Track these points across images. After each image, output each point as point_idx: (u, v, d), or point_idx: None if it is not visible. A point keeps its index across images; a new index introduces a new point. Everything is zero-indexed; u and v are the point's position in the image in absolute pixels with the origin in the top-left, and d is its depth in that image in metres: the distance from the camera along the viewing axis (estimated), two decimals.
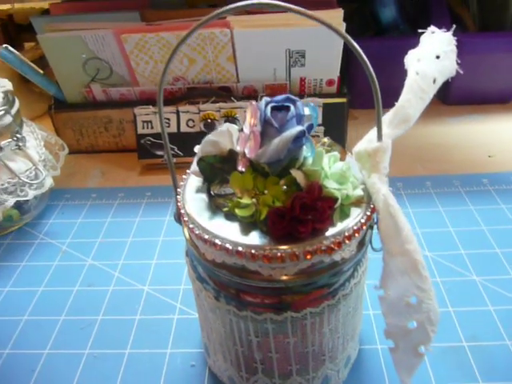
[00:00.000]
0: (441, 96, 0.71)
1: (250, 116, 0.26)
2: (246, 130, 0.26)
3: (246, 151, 0.26)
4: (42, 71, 0.61)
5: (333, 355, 0.31)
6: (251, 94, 0.60)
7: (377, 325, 0.39)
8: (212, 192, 0.28)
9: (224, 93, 0.60)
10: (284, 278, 0.25)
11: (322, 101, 0.58)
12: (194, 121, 0.59)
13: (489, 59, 0.67)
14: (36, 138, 0.53)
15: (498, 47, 0.66)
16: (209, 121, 0.59)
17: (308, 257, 0.24)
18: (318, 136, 0.29)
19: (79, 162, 0.64)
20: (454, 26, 0.32)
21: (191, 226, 0.27)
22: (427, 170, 0.58)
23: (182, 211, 0.28)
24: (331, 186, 0.26)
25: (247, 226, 0.26)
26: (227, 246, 0.25)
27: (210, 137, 0.28)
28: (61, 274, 0.46)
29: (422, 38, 0.32)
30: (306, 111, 0.26)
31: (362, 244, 0.28)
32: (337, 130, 0.58)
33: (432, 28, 0.32)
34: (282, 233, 0.25)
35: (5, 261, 0.48)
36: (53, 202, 0.56)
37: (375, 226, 0.28)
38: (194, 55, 0.56)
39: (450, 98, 0.71)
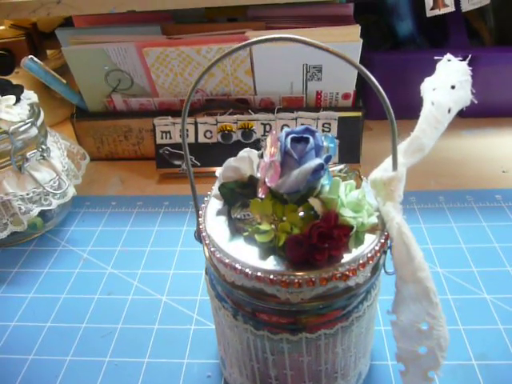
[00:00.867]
0: None
1: (271, 145, 0.27)
2: (267, 158, 0.27)
3: (267, 180, 0.27)
4: (64, 81, 0.63)
5: (345, 373, 0.32)
6: (268, 107, 0.61)
7: (388, 341, 0.40)
8: (232, 216, 0.29)
9: (241, 105, 0.61)
10: (300, 301, 0.27)
11: (337, 114, 0.59)
12: (211, 132, 0.60)
13: (505, 72, 0.67)
14: (59, 148, 0.54)
15: None
16: (226, 132, 0.60)
17: (324, 283, 0.26)
18: (334, 163, 0.30)
19: (99, 169, 0.66)
20: (470, 54, 0.32)
21: (212, 249, 0.28)
22: (440, 185, 0.59)
23: (204, 234, 0.29)
24: (347, 214, 0.27)
25: (266, 250, 0.27)
26: (247, 270, 0.26)
27: (231, 162, 0.29)
28: (82, 282, 0.48)
29: (438, 66, 0.33)
30: (325, 143, 0.27)
31: (375, 269, 0.29)
32: (352, 143, 0.59)
33: (448, 56, 0.33)
34: (299, 259, 0.26)
35: (29, 267, 0.50)
36: (74, 210, 0.58)
37: (388, 251, 0.29)
38: (213, 69, 0.57)
39: (465, 110, 0.71)
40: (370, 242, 0.27)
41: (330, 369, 0.31)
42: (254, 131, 0.60)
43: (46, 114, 0.54)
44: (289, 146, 0.26)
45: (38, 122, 0.51)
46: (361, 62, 0.56)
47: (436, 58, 0.34)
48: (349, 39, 0.54)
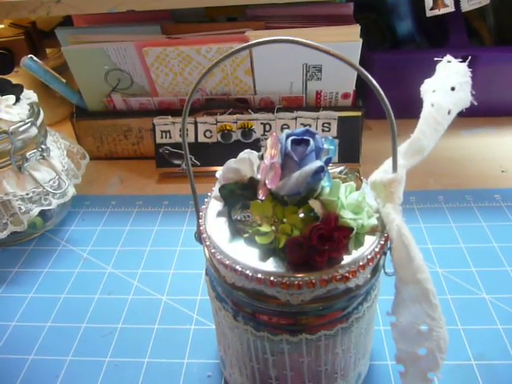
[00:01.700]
0: None
1: (271, 147, 0.28)
2: (267, 160, 0.28)
3: (267, 182, 0.27)
4: (64, 80, 0.63)
5: (345, 373, 0.32)
6: (268, 106, 0.61)
7: (387, 341, 0.40)
8: (233, 217, 0.29)
9: (241, 104, 0.61)
10: (300, 303, 0.27)
11: (337, 114, 0.59)
12: (211, 131, 0.60)
13: (505, 72, 0.67)
14: (59, 148, 0.54)
15: None
16: (226, 132, 0.60)
17: (324, 284, 0.26)
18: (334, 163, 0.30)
19: (99, 168, 0.66)
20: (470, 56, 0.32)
21: (213, 250, 0.28)
22: (440, 185, 0.59)
23: (204, 235, 0.29)
24: (347, 216, 0.27)
25: (266, 252, 0.27)
26: (247, 272, 0.26)
27: (231, 164, 0.30)
28: (82, 282, 0.48)
29: (438, 67, 0.33)
30: (325, 145, 0.27)
31: (375, 270, 0.29)
32: (351, 143, 0.59)
33: (448, 57, 0.33)
34: (299, 261, 0.26)
35: (29, 267, 0.50)
36: (74, 209, 0.58)
37: (388, 252, 0.29)
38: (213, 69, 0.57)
39: (465, 110, 0.72)
40: (370, 243, 0.28)
41: (329, 369, 0.31)
42: (254, 131, 0.60)
43: (45, 113, 0.54)
44: (289, 148, 0.26)
45: (38, 122, 0.51)
46: (360, 61, 0.57)
47: (436, 59, 0.34)
48: (348, 39, 0.54)
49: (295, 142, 0.27)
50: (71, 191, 0.53)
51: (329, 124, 0.59)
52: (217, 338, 0.36)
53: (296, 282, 0.25)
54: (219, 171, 0.30)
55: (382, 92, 0.25)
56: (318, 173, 0.25)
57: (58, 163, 0.52)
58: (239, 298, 0.28)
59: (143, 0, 0.54)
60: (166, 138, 0.61)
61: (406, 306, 0.27)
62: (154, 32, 0.59)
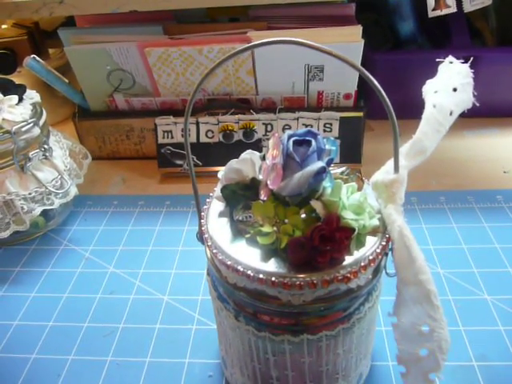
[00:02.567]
0: None
1: (273, 148, 0.28)
2: (269, 161, 0.28)
3: (269, 182, 0.27)
4: (67, 80, 0.63)
5: (346, 374, 0.32)
6: (270, 107, 0.61)
7: (389, 341, 0.40)
8: (234, 217, 0.29)
9: (243, 105, 0.61)
10: (301, 303, 0.27)
11: (338, 114, 0.59)
12: (213, 131, 0.60)
13: (507, 72, 0.67)
14: (61, 148, 0.55)
15: None
16: (227, 132, 0.60)
17: (325, 285, 0.26)
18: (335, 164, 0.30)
19: (101, 168, 0.66)
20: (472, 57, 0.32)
21: (214, 250, 0.28)
22: (441, 185, 0.59)
23: (206, 235, 0.29)
24: (349, 216, 0.27)
25: (268, 252, 0.27)
26: (249, 272, 0.26)
27: (233, 164, 0.30)
28: (84, 281, 0.48)
29: (440, 68, 0.33)
30: (327, 146, 0.27)
31: (376, 271, 0.29)
32: (353, 143, 0.59)
33: (450, 58, 0.33)
34: (301, 262, 0.26)
35: (31, 266, 0.50)
36: (76, 209, 0.58)
37: (390, 253, 0.29)
38: None
39: (467, 110, 0.71)
40: (372, 244, 0.28)
41: (331, 370, 0.31)
42: (256, 131, 0.60)
43: (48, 113, 0.54)
44: (291, 148, 0.26)
45: (41, 122, 0.51)
46: (362, 62, 0.57)
47: (438, 59, 0.34)
48: (350, 39, 0.54)
49: (297, 143, 0.27)
50: (73, 191, 0.53)
51: (330, 124, 0.59)
52: (218, 337, 0.36)
53: (297, 283, 0.26)
54: (221, 171, 0.31)
55: (383, 93, 0.25)
56: (320, 173, 0.25)
57: (60, 163, 0.53)
58: (241, 298, 0.28)
59: (146, 0, 0.54)
60: (167, 138, 0.61)
61: (408, 307, 0.27)
62: (156, 32, 0.59)
